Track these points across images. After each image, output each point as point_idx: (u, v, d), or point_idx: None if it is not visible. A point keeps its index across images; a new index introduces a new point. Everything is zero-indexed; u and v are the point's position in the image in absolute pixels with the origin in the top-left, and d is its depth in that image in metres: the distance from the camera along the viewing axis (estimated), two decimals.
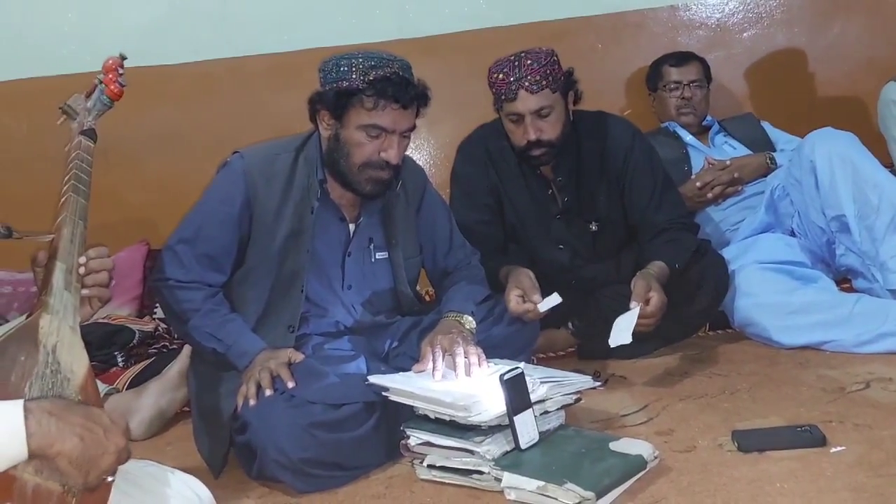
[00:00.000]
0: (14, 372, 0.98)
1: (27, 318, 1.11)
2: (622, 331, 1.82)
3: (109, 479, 1.00)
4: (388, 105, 1.61)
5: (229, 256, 1.70)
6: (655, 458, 1.46)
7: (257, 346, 1.63)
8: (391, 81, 1.60)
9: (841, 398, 1.71)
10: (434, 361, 1.59)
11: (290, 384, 1.53)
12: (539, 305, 1.82)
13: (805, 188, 2.19)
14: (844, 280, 2.26)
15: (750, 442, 1.51)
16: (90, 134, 1.39)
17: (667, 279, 1.98)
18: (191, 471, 1.31)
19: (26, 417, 0.91)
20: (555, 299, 1.81)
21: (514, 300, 1.84)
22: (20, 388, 0.98)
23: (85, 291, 1.18)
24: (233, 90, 2.88)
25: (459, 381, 1.57)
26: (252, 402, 1.51)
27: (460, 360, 1.59)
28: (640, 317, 1.84)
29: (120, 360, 2.25)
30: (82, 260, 1.19)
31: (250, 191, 1.67)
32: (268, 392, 1.51)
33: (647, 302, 1.87)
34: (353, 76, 1.60)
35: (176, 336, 2.43)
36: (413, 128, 1.69)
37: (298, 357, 1.62)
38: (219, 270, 1.70)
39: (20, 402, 0.92)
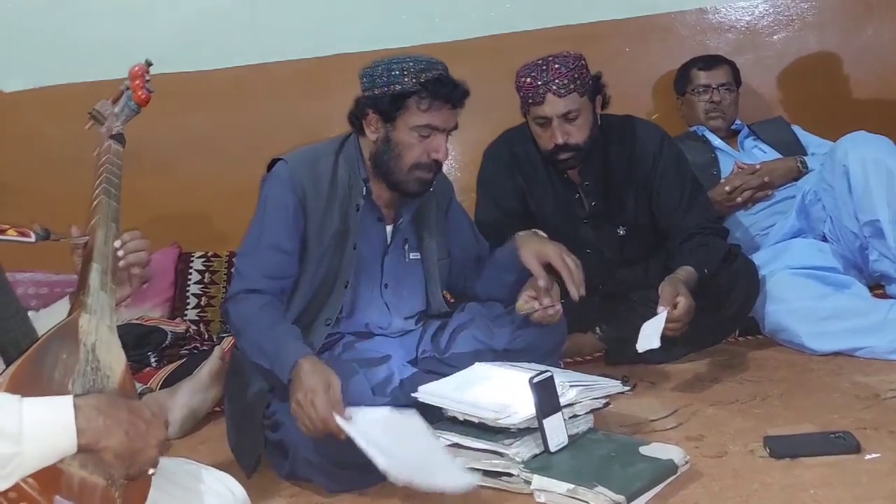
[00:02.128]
0: (57, 369, 1.01)
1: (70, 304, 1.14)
2: (649, 336, 1.81)
3: (151, 471, 1.02)
4: (441, 105, 1.66)
5: (292, 260, 1.69)
6: (686, 462, 1.45)
7: (295, 357, 1.49)
8: (442, 83, 1.65)
9: (875, 405, 1.68)
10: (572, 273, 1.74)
11: (344, 428, 1.40)
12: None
13: (838, 193, 2.16)
14: (877, 286, 2.22)
15: (782, 448, 1.49)
16: (119, 138, 1.42)
17: (696, 284, 1.96)
18: (224, 470, 1.32)
19: (76, 414, 0.93)
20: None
21: (523, 297, 1.83)
22: (64, 385, 1.01)
23: (122, 262, 1.21)
24: (262, 96, 2.91)
25: (490, 385, 1.57)
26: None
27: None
28: (667, 321, 1.83)
29: (153, 360, 2.29)
30: (118, 243, 1.22)
31: (300, 193, 1.70)
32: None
33: (674, 306, 1.86)
34: (406, 79, 1.64)
35: (206, 337, 2.47)
36: (456, 127, 1.72)
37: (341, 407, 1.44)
38: (282, 276, 1.68)
39: (69, 398, 0.95)
